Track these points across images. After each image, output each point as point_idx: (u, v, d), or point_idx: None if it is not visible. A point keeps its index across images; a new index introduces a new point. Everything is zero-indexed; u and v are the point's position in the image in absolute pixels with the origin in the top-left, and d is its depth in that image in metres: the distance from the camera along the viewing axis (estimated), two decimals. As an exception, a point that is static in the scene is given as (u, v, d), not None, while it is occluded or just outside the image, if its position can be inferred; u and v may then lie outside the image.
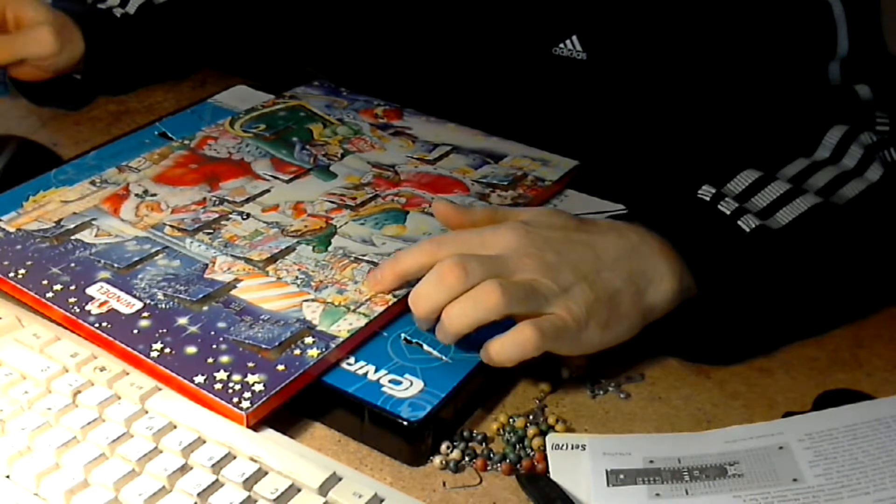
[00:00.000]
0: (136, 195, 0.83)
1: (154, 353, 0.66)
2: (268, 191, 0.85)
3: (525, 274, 0.66)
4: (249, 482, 0.59)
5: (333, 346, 0.68)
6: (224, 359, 0.66)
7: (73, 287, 0.72)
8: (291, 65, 1.08)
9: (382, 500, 0.59)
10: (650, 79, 0.89)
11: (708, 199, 0.75)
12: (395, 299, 0.72)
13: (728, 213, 0.74)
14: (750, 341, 0.75)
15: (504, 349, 0.65)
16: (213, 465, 0.60)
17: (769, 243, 0.73)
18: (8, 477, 0.59)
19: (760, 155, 0.80)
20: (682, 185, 0.77)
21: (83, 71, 1.00)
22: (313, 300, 0.72)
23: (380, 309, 0.71)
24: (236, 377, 0.65)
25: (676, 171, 0.84)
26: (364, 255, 0.77)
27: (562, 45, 0.90)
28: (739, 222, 0.73)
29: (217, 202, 0.82)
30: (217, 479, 0.59)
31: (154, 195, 0.83)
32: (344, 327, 0.69)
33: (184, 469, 0.60)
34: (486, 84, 0.96)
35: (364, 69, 1.04)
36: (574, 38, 0.90)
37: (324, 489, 0.59)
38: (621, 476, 0.62)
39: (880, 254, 0.77)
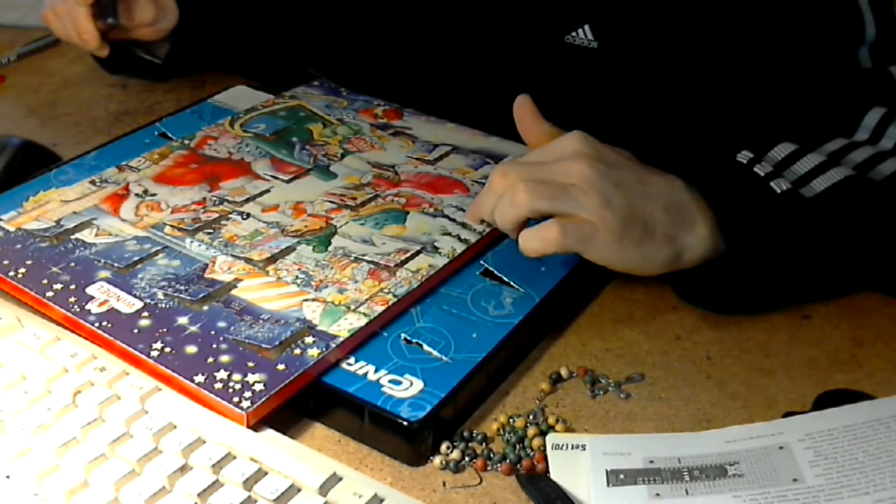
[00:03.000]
0: (136, 195, 0.83)
1: (154, 353, 0.66)
2: (268, 191, 0.85)
3: (567, 179, 0.70)
4: (249, 482, 0.59)
5: (334, 345, 0.68)
6: (224, 358, 0.66)
7: (73, 286, 0.72)
8: (291, 65, 1.08)
9: (382, 500, 0.59)
10: (661, 68, 0.89)
11: (745, 161, 0.77)
12: (395, 299, 0.72)
13: (762, 174, 0.75)
14: (772, 297, 0.78)
15: (527, 239, 0.71)
16: (213, 466, 0.60)
17: (800, 207, 0.74)
18: (8, 477, 0.59)
19: (798, 136, 0.81)
20: (721, 150, 0.79)
21: (173, 42, 1.04)
22: (313, 300, 0.72)
23: (380, 308, 0.71)
24: (236, 377, 0.65)
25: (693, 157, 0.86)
26: (364, 255, 0.77)
27: (574, 34, 0.91)
28: (772, 184, 0.74)
29: (217, 202, 0.82)
30: (217, 480, 0.59)
31: (154, 195, 0.83)
32: (344, 327, 0.69)
33: (184, 469, 0.60)
34: (498, 71, 0.96)
35: (371, 62, 1.04)
36: (586, 27, 0.90)
37: (324, 489, 0.59)
38: (621, 476, 0.62)
39: None
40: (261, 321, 0.69)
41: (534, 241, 0.71)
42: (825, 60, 0.86)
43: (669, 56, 0.89)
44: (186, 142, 0.91)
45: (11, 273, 0.73)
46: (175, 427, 0.63)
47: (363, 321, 0.70)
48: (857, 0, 0.85)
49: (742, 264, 0.73)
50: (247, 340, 0.68)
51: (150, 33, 1.03)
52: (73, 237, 0.77)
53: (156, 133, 0.93)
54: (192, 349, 0.67)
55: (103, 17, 0.98)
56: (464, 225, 0.81)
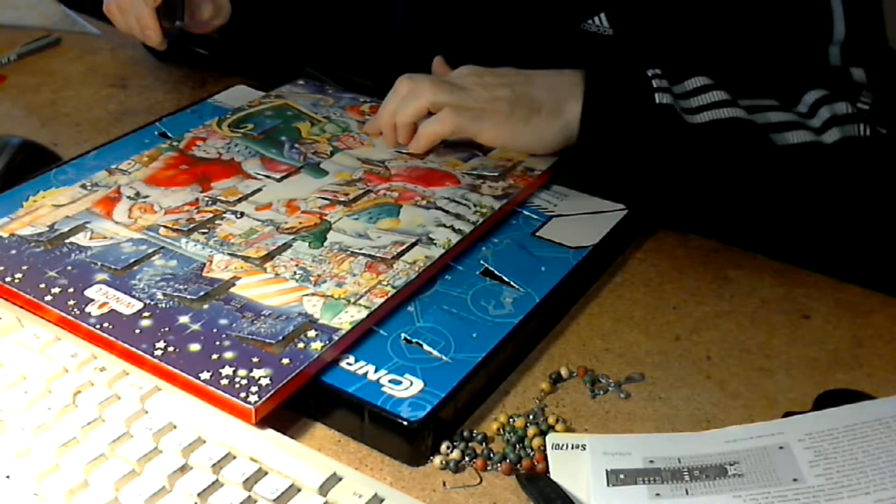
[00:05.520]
0: (129, 197, 0.82)
1: (158, 352, 0.66)
2: (260, 189, 0.85)
3: (461, 81, 0.86)
4: (249, 482, 0.59)
5: (336, 338, 0.68)
6: (228, 355, 0.66)
7: (71, 290, 0.71)
8: (291, 65, 1.08)
9: (382, 500, 0.59)
10: (675, 55, 0.90)
11: (650, 74, 0.82)
12: (394, 291, 0.72)
13: (655, 85, 0.80)
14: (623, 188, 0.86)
15: (426, 125, 0.85)
16: (213, 465, 0.60)
17: (670, 123, 0.79)
18: (8, 477, 0.59)
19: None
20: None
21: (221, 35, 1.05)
22: (313, 294, 0.72)
23: (380, 301, 0.72)
24: (242, 372, 0.65)
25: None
26: (360, 249, 0.77)
27: (590, 21, 0.93)
28: (657, 94, 0.79)
29: (210, 202, 0.82)
30: (217, 479, 0.59)
31: (146, 197, 0.83)
32: (346, 320, 0.70)
33: (184, 469, 0.60)
34: (515, 57, 0.97)
35: (382, 56, 1.05)
36: (602, 14, 0.93)
37: (324, 489, 0.59)
38: (621, 476, 0.62)
39: (777, 200, 0.82)
40: (262, 317, 0.70)
41: (432, 125, 0.85)
42: (794, 54, 0.89)
43: (682, 43, 0.90)
44: (175, 143, 0.91)
45: (8, 279, 0.72)
46: (175, 427, 0.63)
47: (364, 313, 0.70)
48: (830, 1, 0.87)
49: (587, 143, 0.82)
50: (249, 336, 0.68)
51: (205, 29, 1.03)
52: (67, 241, 0.77)
53: (156, 133, 0.93)
54: (195, 347, 0.67)
55: (171, 19, 0.99)
56: (458, 216, 0.81)
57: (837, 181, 0.83)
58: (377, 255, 0.77)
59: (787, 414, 0.68)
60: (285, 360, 0.66)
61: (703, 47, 0.89)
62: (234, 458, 0.61)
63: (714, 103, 0.81)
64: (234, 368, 0.65)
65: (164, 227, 0.79)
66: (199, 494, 0.58)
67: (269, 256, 0.76)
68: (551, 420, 0.67)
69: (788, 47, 0.89)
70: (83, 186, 0.84)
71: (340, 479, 0.60)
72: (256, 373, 0.65)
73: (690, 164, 0.81)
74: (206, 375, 0.64)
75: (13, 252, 0.75)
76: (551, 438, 0.65)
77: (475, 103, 0.84)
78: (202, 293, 0.72)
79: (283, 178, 0.87)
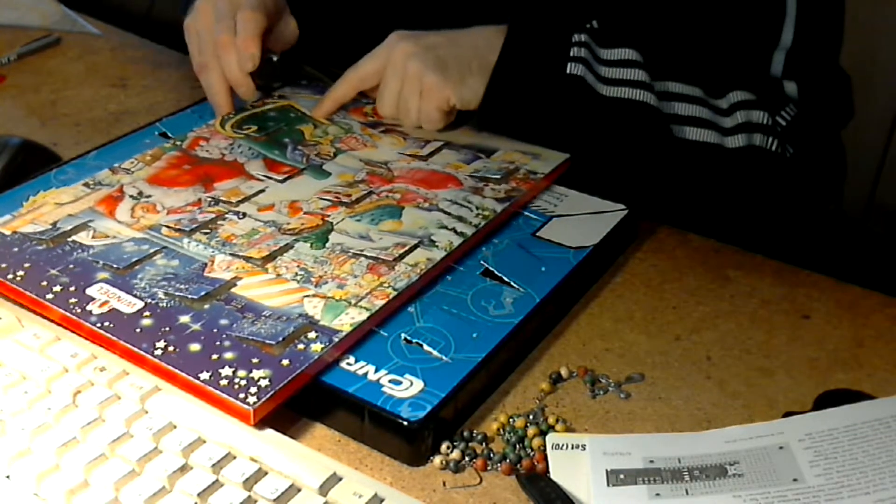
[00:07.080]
0: (131, 197, 0.82)
1: (158, 352, 0.66)
2: (262, 191, 0.85)
3: (393, 66, 0.90)
4: (249, 482, 0.59)
5: (336, 340, 0.68)
6: (228, 355, 0.66)
7: (72, 288, 0.72)
8: (291, 64, 1.07)
9: (382, 500, 0.59)
10: (614, 20, 0.90)
11: (575, 39, 0.82)
12: (395, 293, 0.72)
13: (573, 54, 0.80)
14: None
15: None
16: (213, 465, 0.60)
17: (579, 95, 0.80)
18: (8, 477, 0.59)
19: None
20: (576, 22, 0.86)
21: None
22: (314, 296, 0.72)
23: (381, 302, 0.72)
24: (241, 373, 0.65)
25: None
26: (362, 251, 0.77)
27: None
28: (570, 64, 0.80)
29: (212, 203, 0.82)
30: (217, 479, 0.59)
31: (149, 196, 0.83)
32: (346, 321, 0.70)
33: (184, 469, 0.60)
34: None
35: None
36: (594, 23, 0.91)
37: (324, 489, 0.59)
38: (621, 476, 0.62)
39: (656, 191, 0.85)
40: (263, 318, 0.70)
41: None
42: (735, 45, 0.89)
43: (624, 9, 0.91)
44: (178, 143, 0.91)
45: (10, 276, 0.73)
46: (175, 427, 0.63)
47: (364, 315, 0.70)
48: (785, 2, 0.87)
49: (493, 101, 0.86)
50: (250, 337, 0.68)
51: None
52: (69, 239, 0.77)
53: (156, 133, 0.93)
54: (195, 347, 0.67)
55: (266, 81, 1.00)
56: (460, 218, 0.81)
57: (726, 185, 0.86)
58: (379, 256, 0.77)
59: (787, 414, 0.68)
60: (285, 362, 0.66)
61: (648, 19, 0.89)
62: (234, 458, 0.61)
63: (630, 81, 0.82)
64: (233, 369, 0.65)
65: (167, 226, 0.79)
66: (199, 494, 0.58)
67: (271, 257, 0.76)
68: (551, 420, 0.67)
69: (732, 41, 0.88)
70: (86, 185, 0.84)
71: (340, 479, 0.60)
72: (256, 373, 0.65)
73: (593, 132, 0.84)
74: (205, 375, 0.64)
75: (15, 250, 0.75)
76: (551, 438, 0.65)
77: (408, 83, 0.87)
78: (203, 293, 0.72)
79: (285, 179, 0.87)
